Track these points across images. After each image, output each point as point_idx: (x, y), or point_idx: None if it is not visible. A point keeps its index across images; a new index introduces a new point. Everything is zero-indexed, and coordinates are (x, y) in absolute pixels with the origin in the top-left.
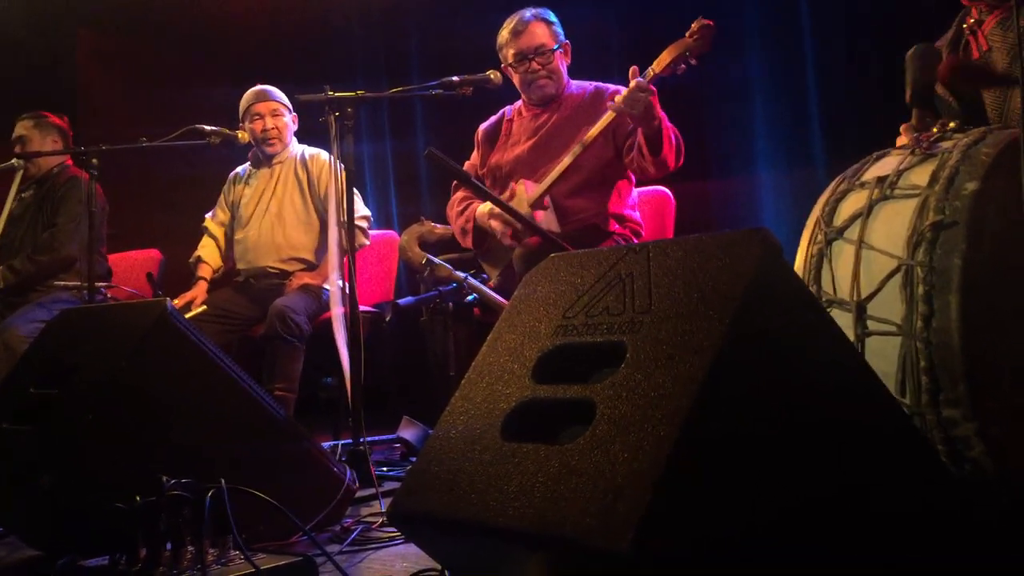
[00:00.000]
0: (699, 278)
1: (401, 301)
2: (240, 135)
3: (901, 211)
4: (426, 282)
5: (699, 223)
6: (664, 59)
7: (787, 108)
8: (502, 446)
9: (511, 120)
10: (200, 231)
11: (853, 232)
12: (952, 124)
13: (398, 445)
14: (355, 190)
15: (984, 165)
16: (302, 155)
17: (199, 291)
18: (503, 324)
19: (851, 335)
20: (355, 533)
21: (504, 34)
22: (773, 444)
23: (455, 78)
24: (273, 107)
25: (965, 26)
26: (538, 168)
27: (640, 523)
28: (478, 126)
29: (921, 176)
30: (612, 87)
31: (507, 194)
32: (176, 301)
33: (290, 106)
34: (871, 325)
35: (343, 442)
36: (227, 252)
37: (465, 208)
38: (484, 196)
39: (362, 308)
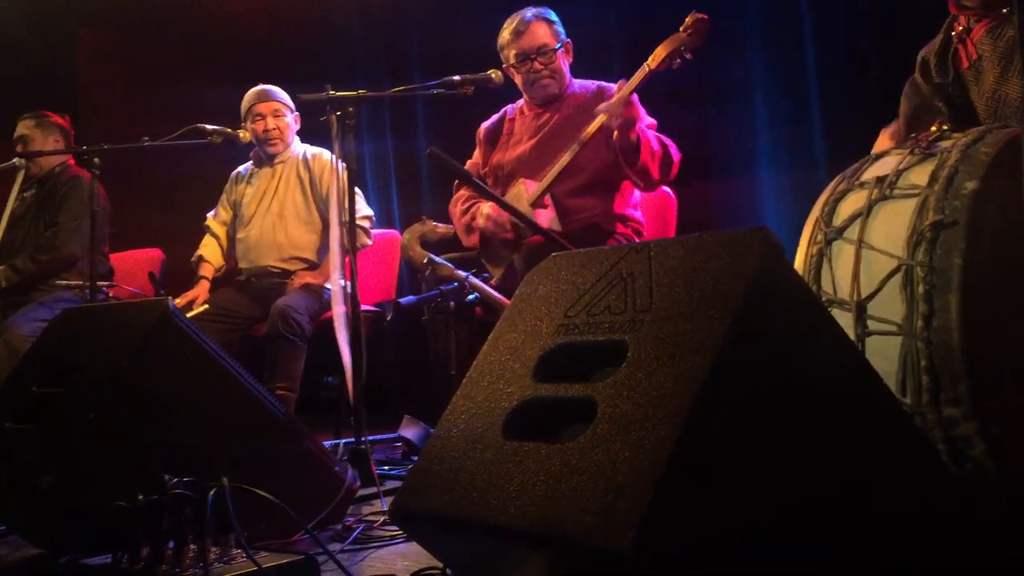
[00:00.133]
0: (700, 277)
1: (403, 300)
2: (242, 135)
3: (901, 211)
4: (428, 281)
5: (701, 223)
6: (659, 54)
7: (788, 108)
8: (503, 445)
9: (513, 119)
10: (202, 230)
11: (853, 232)
12: (947, 127)
13: (399, 444)
14: (358, 190)
15: (984, 164)
16: (304, 155)
17: (201, 290)
18: (504, 323)
19: (851, 335)
20: (357, 532)
21: (505, 34)
22: (774, 443)
23: (456, 77)
24: (275, 107)
25: (954, 34)
26: (540, 167)
27: (641, 522)
28: (479, 125)
29: (920, 176)
30: (615, 86)
31: (509, 193)
32: (178, 300)
33: (292, 106)
34: (871, 325)
35: (345, 441)
36: (229, 251)
37: (470, 207)
38: (485, 195)
39: (364, 307)
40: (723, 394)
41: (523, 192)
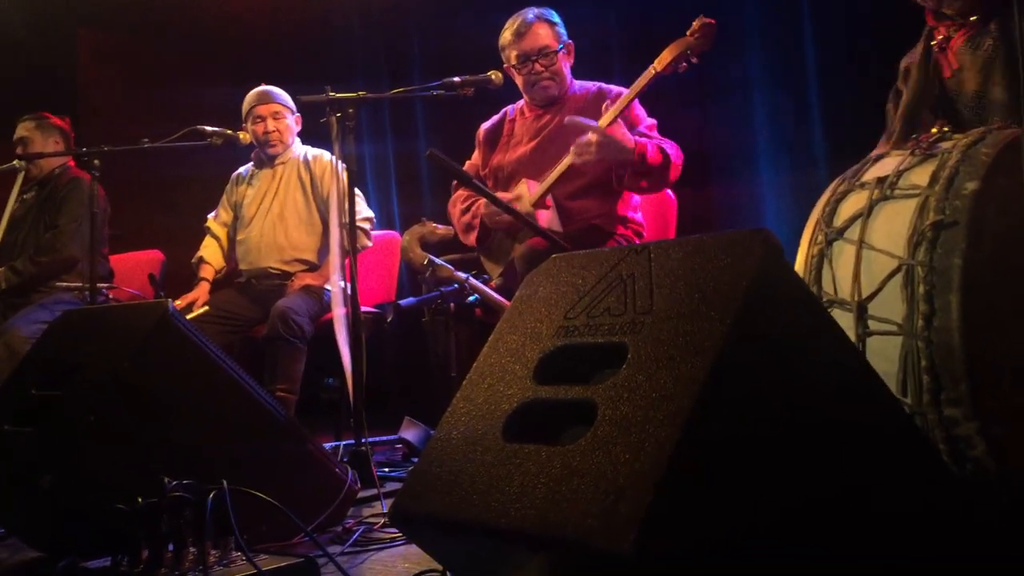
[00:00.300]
0: (700, 279)
1: (403, 302)
2: (242, 136)
3: (901, 211)
4: (428, 283)
5: (701, 224)
6: (665, 57)
7: (788, 109)
8: (503, 447)
9: (513, 120)
10: (202, 231)
11: (853, 232)
12: (947, 128)
13: (400, 446)
14: (358, 191)
15: (984, 165)
16: (305, 156)
17: (201, 292)
18: (504, 325)
19: (852, 335)
20: (357, 534)
21: (506, 35)
22: (774, 444)
23: (456, 78)
24: (275, 109)
25: (933, 43)
26: (541, 169)
27: (642, 524)
28: (479, 126)
29: (921, 176)
30: (616, 88)
31: (512, 193)
32: (178, 302)
33: (293, 107)
34: (872, 325)
35: (345, 443)
36: (229, 253)
37: (470, 205)
38: (485, 196)
39: (364, 309)
40: (723, 395)
41: (526, 192)
